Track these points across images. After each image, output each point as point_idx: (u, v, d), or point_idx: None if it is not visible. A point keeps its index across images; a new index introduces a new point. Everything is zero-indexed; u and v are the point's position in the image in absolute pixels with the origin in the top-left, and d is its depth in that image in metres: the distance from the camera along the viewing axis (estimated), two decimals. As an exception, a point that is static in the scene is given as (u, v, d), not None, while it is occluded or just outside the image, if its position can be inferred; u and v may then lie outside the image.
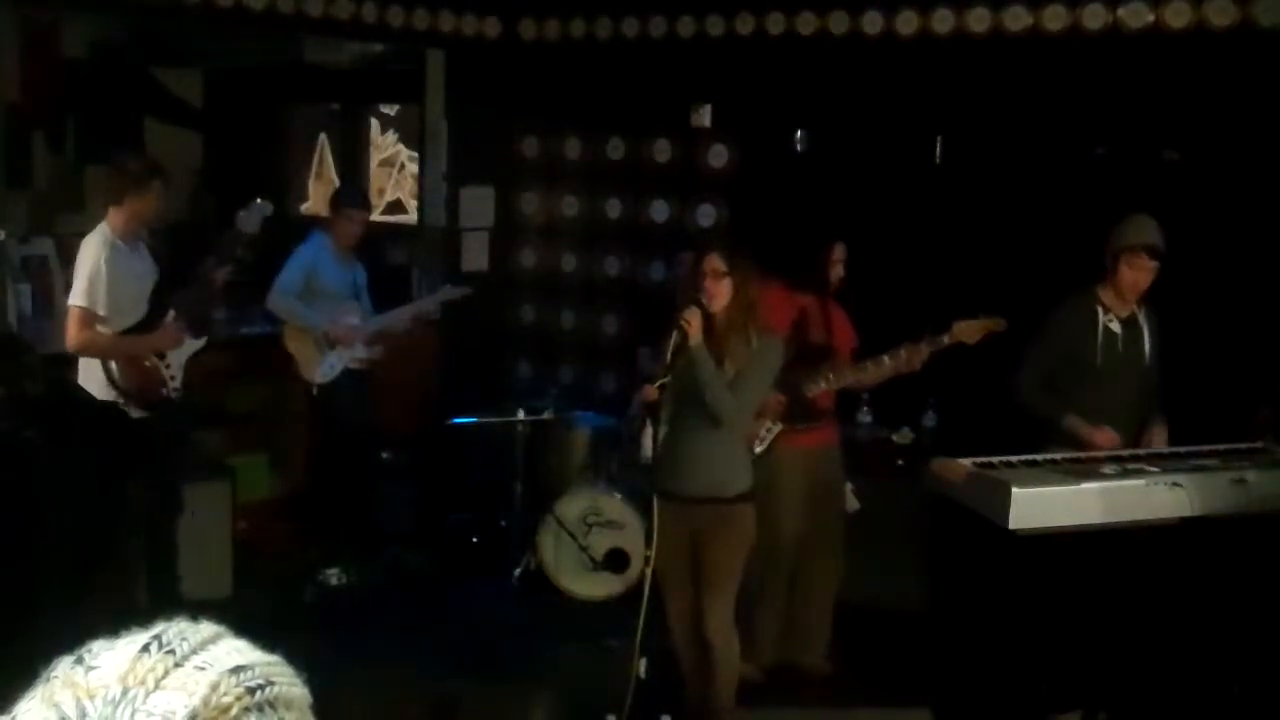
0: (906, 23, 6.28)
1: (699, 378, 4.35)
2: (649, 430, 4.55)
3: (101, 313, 5.09)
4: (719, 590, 4.57)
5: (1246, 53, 5.46)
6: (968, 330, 5.10)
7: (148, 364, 5.26)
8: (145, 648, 0.91)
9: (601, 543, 6.13)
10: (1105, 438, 4.96)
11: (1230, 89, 5.57)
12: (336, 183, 9.56)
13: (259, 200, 5.48)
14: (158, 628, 0.94)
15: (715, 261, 4.42)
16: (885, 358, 5.15)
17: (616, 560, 6.09)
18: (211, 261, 5.40)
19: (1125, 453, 4.94)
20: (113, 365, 5.19)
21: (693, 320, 4.33)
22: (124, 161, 5.31)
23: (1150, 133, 5.86)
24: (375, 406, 6.56)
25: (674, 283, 5.13)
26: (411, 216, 8.90)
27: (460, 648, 5.67)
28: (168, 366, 5.32)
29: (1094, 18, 5.81)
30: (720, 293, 4.39)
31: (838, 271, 5.30)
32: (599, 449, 6.60)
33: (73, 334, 5.12)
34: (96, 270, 5.07)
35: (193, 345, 5.41)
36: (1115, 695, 4.79)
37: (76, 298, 5.10)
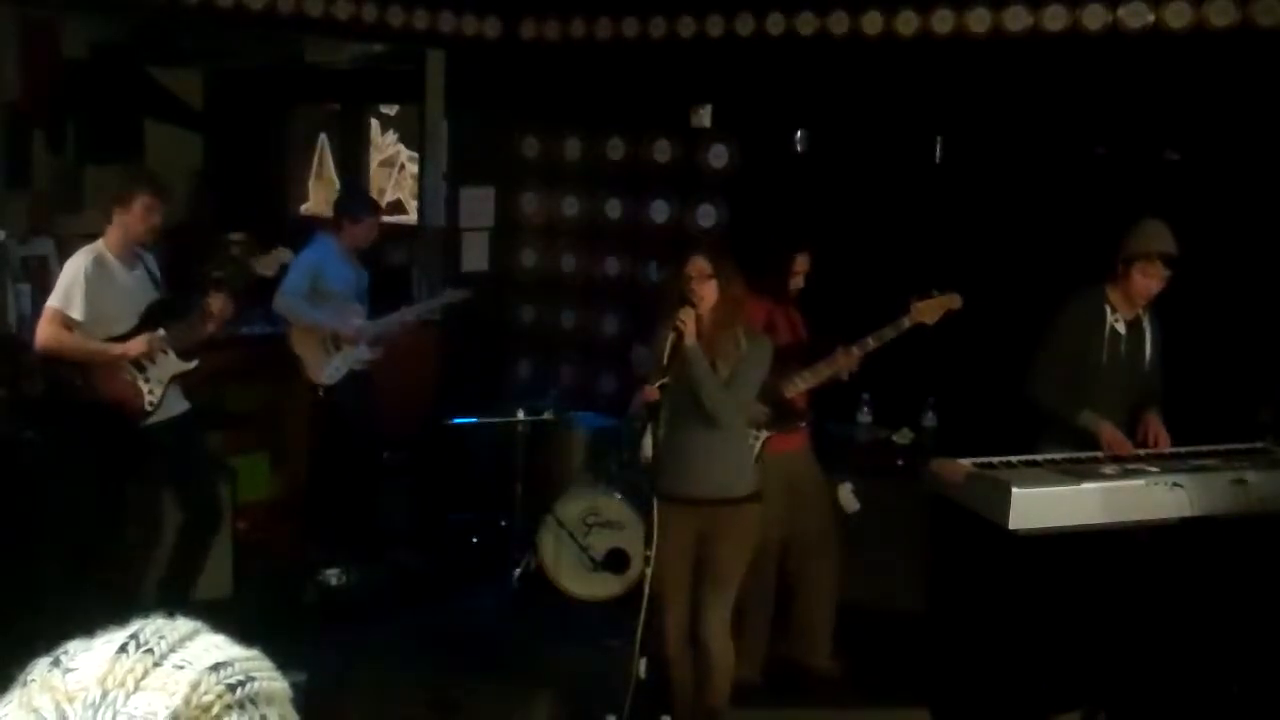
0: (906, 23, 6.28)
1: (694, 378, 4.37)
2: (650, 431, 4.54)
3: (75, 315, 5.08)
4: (722, 591, 4.58)
5: (1246, 53, 5.46)
6: (926, 310, 5.08)
7: (127, 377, 5.24)
8: (123, 648, 0.90)
9: (601, 543, 6.13)
10: (1119, 441, 4.94)
11: (1230, 89, 5.57)
12: (337, 183, 9.56)
13: (280, 247, 5.61)
14: (134, 626, 0.93)
15: (701, 263, 4.45)
16: (853, 349, 5.13)
17: (616, 560, 6.09)
18: (212, 289, 5.41)
19: (1128, 452, 4.94)
20: (91, 374, 5.17)
21: (688, 320, 4.36)
22: (111, 175, 5.32)
23: (1150, 133, 5.85)
24: (377, 407, 6.56)
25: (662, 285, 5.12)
26: (411, 217, 8.90)
27: (460, 648, 5.67)
28: (146, 381, 5.28)
29: (1094, 18, 5.80)
30: (708, 294, 4.43)
31: (798, 282, 5.30)
32: (599, 449, 6.60)
33: (41, 330, 5.15)
34: (75, 278, 5.10)
35: (179, 365, 5.37)
36: (1115, 695, 4.79)
37: (53, 298, 5.15)
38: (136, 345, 5.21)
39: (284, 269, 5.87)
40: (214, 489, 5.74)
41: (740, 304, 4.54)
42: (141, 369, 5.28)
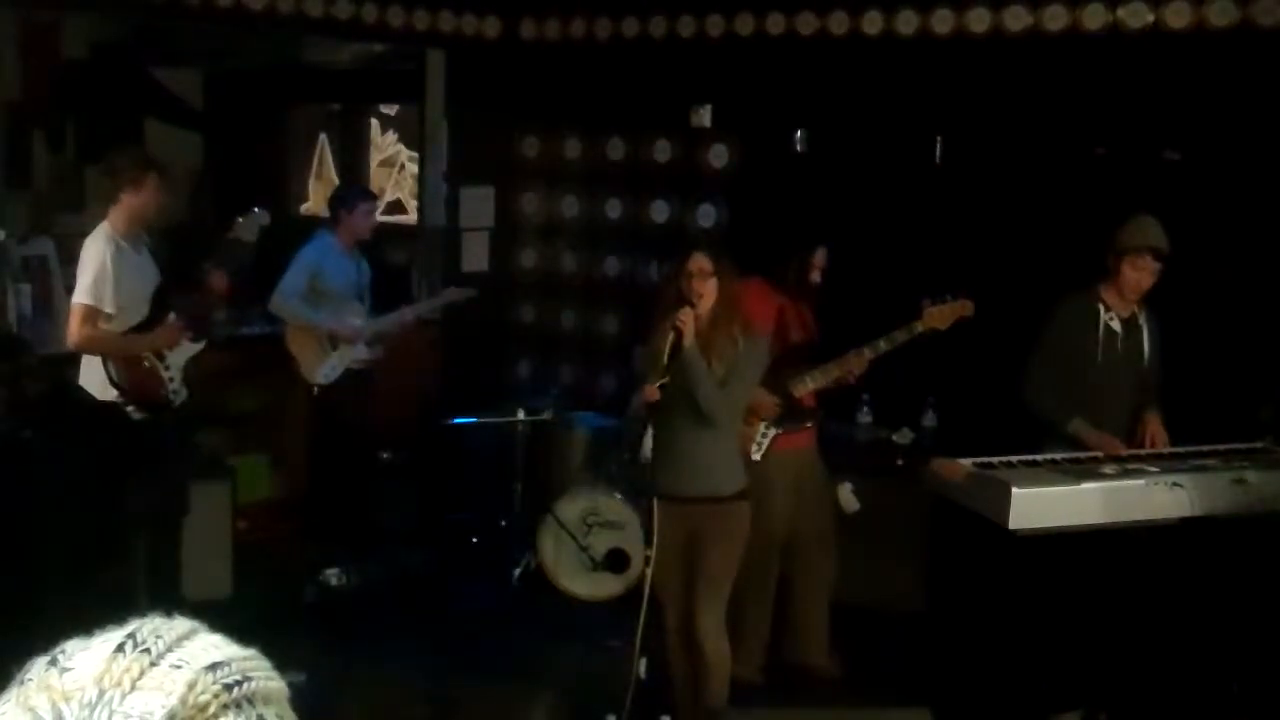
0: (906, 23, 6.28)
1: (691, 378, 4.37)
2: (649, 431, 4.54)
3: (108, 310, 5.05)
4: (714, 589, 4.57)
5: (1246, 53, 5.46)
6: (938, 315, 5.10)
7: (147, 365, 5.22)
8: (120, 647, 0.90)
9: (601, 543, 6.13)
10: (1112, 446, 4.94)
11: (1230, 89, 5.57)
12: (337, 183, 9.57)
13: (256, 209, 5.51)
14: (132, 625, 0.93)
15: (701, 261, 4.45)
16: (864, 350, 5.14)
17: (616, 560, 6.08)
18: (210, 267, 5.38)
19: (1125, 453, 4.94)
20: (113, 366, 5.17)
21: (687, 320, 4.37)
22: (116, 158, 5.23)
23: (1150, 133, 5.86)
24: (376, 406, 6.56)
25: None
26: (411, 216, 8.91)
27: (460, 648, 5.67)
28: (167, 368, 5.28)
29: (1094, 18, 5.81)
30: (708, 292, 4.43)
31: (815, 277, 5.31)
32: (599, 449, 6.59)
33: (74, 330, 5.09)
34: (102, 267, 5.02)
35: (191, 348, 5.36)
36: (1115, 695, 4.79)
37: (81, 294, 5.05)
38: (168, 336, 5.20)
39: (264, 231, 5.71)
40: (185, 478, 5.63)
41: (738, 302, 4.54)
42: (161, 357, 5.25)
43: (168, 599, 5.31)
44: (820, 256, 5.30)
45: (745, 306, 4.63)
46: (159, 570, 5.53)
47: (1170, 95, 5.73)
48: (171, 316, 5.26)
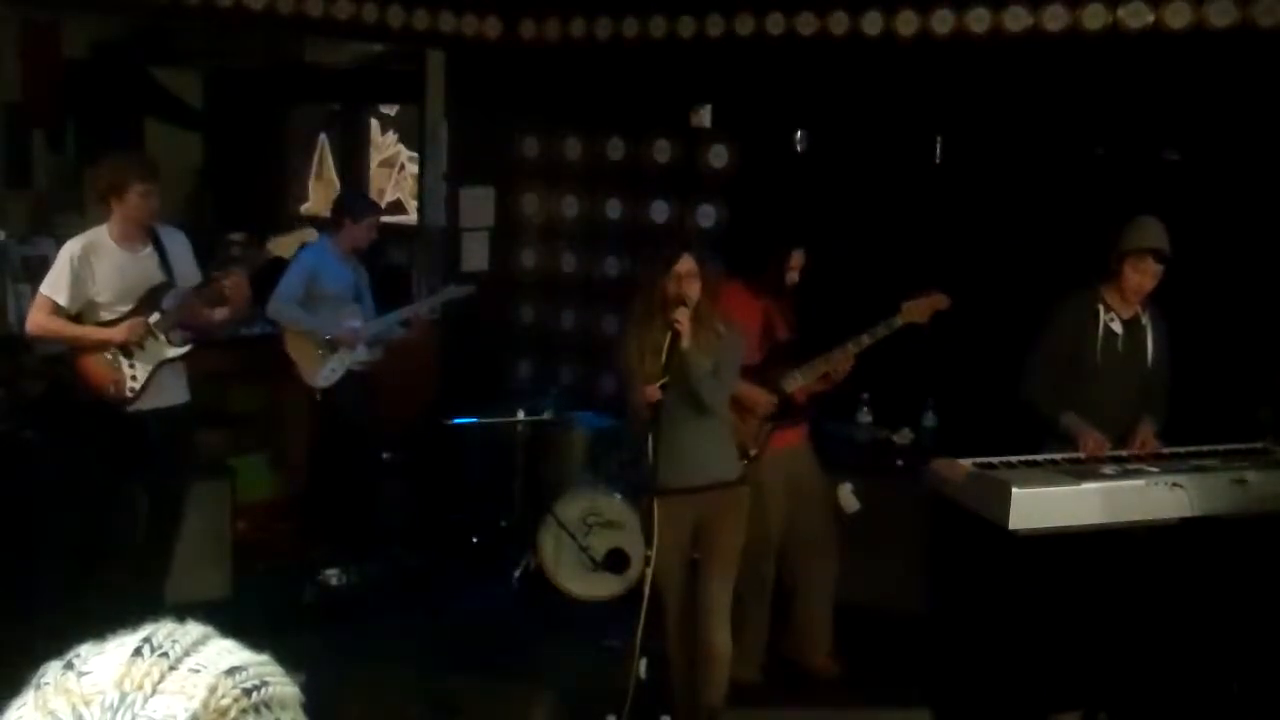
0: (906, 23, 6.28)
1: (693, 375, 4.47)
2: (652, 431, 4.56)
3: (61, 302, 5.11)
4: (724, 576, 4.64)
5: (1246, 53, 5.46)
6: (916, 309, 5.14)
7: (109, 358, 5.16)
8: (137, 651, 0.91)
9: (601, 543, 6.13)
10: (1094, 443, 4.93)
11: (1230, 89, 5.57)
12: (337, 183, 9.57)
13: (306, 227, 5.61)
14: (146, 630, 0.94)
15: (689, 262, 4.54)
16: (848, 346, 5.16)
17: (616, 560, 6.09)
18: (231, 271, 5.37)
19: (1125, 453, 4.94)
20: (73, 360, 5.18)
21: (684, 320, 4.43)
22: (97, 169, 5.29)
23: (1150, 133, 5.85)
24: (376, 407, 6.56)
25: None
26: (411, 216, 8.90)
27: (460, 648, 5.67)
28: (131, 366, 5.20)
29: (1094, 18, 5.81)
30: (696, 291, 4.52)
31: (793, 278, 5.31)
32: (599, 449, 6.60)
33: (30, 316, 5.27)
34: (62, 266, 5.15)
35: (169, 350, 5.26)
36: (1115, 695, 4.79)
37: (43, 285, 5.22)
38: (119, 332, 5.18)
39: (303, 246, 5.68)
40: (180, 488, 5.54)
41: (717, 296, 4.67)
42: (129, 354, 5.21)
43: (150, 597, 5.28)
44: (798, 257, 5.30)
45: (724, 303, 4.75)
46: (147, 568, 5.47)
47: (1170, 95, 5.73)
48: (154, 317, 5.19)
